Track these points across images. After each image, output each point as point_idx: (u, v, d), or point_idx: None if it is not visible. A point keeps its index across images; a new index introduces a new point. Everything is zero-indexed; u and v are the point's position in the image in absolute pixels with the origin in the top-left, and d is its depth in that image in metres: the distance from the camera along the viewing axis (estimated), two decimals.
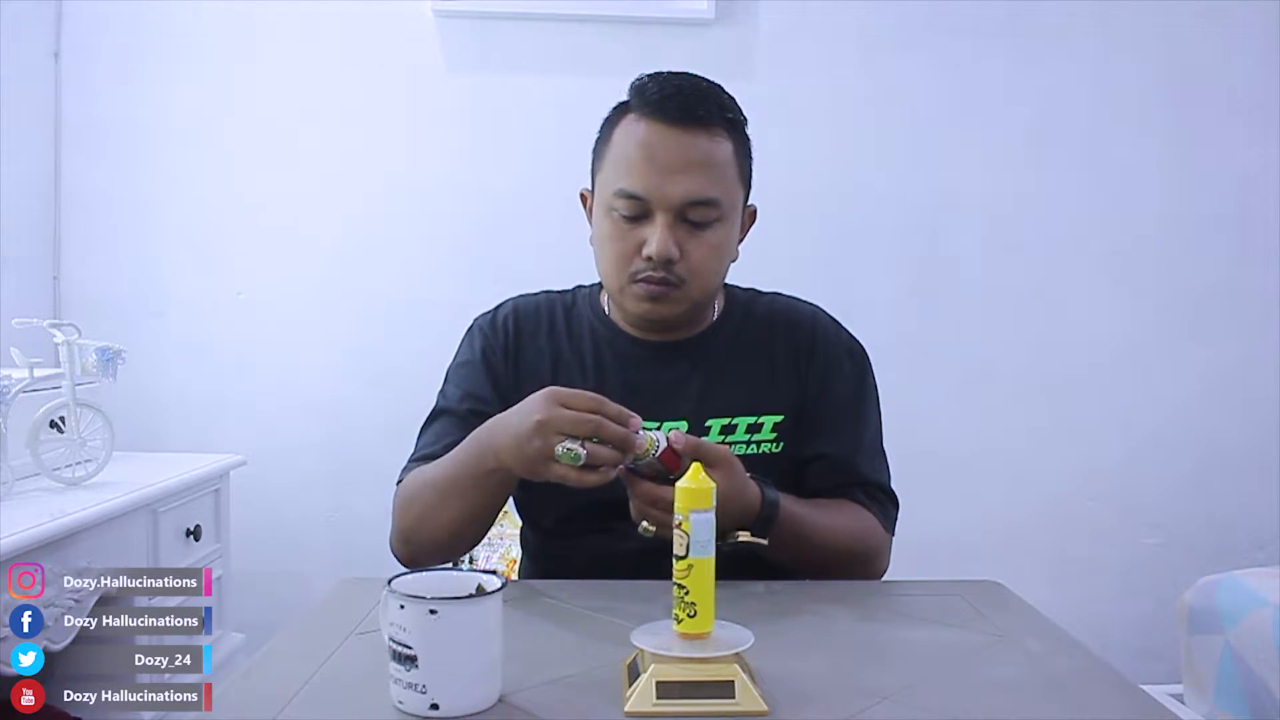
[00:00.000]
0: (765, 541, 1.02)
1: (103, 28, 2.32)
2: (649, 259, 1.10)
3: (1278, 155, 2.42)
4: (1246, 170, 2.42)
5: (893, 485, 1.22)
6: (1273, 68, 2.41)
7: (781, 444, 1.17)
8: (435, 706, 0.72)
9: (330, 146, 2.36)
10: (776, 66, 2.38)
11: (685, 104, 1.11)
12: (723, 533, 0.98)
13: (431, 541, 1.10)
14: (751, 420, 1.17)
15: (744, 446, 1.16)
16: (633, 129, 1.13)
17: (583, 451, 0.92)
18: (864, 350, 1.25)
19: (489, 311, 1.26)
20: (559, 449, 0.92)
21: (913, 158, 2.41)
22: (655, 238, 1.09)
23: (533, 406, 0.96)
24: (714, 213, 1.12)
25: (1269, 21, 2.41)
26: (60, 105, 2.33)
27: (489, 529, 1.13)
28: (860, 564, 1.15)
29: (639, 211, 1.11)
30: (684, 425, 1.15)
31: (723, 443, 1.15)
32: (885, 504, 1.19)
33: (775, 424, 1.17)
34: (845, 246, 2.40)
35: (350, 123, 2.36)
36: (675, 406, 1.16)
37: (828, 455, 1.17)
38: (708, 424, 1.16)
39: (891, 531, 1.19)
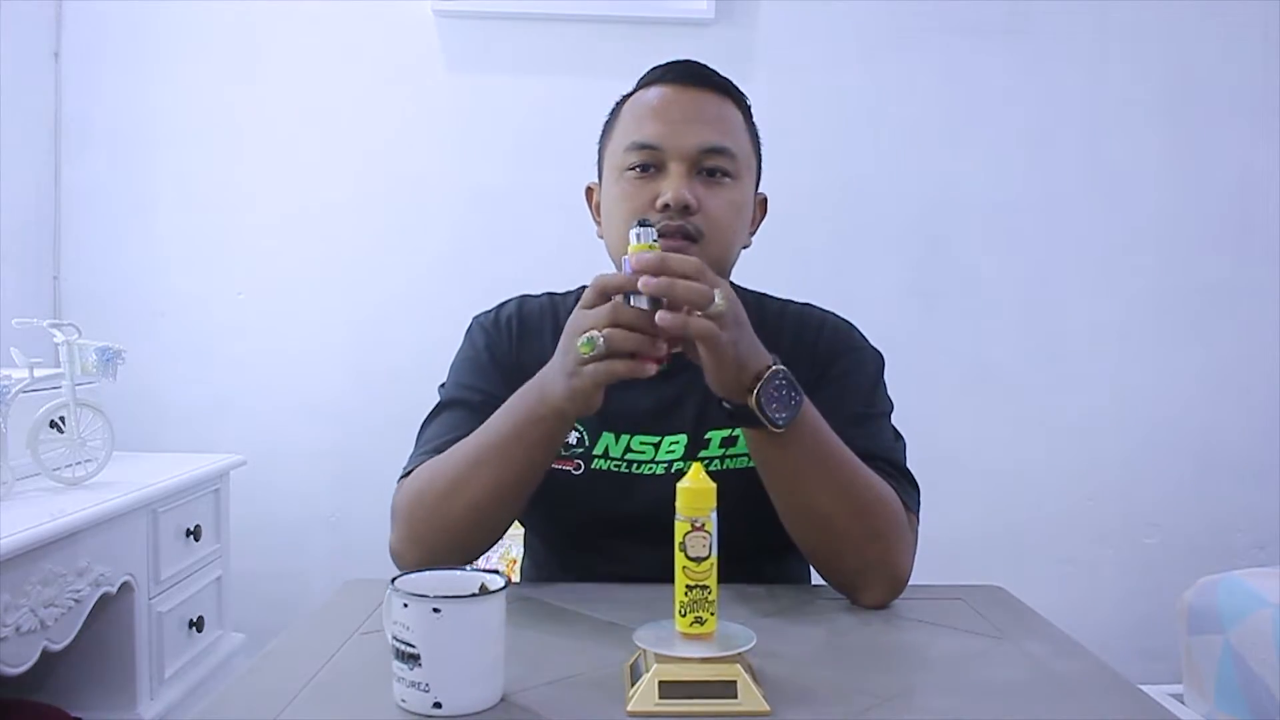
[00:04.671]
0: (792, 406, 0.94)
1: (103, 28, 2.33)
2: (665, 208, 1.06)
3: (1278, 155, 2.42)
4: (1246, 170, 2.43)
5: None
6: (1273, 68, 2.42)
7: None
8: (438, 705, 0.72)
9: (330, 146, 2.36)
10: (776, 66, 2.38)
11: (694, 69, 1.13)
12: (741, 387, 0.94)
13: (449, 530, 1.01)
14: None
15: (746, 459, 1.09)
16: (642, 96, 1.13)
17: (599, 337, 0.89)
18: (879, 354, 1.18)
19: (490, 310, 1.23)
20: (579, 343, 0.90)
21: (912, 157, 2.41)
22: (670, 185, 1.07)
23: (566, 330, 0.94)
24: (729, 164, 1.09)
25: (1269, 21, 2.41)
26: (60, 105, 2.33)
27: (516, 514, 1.07)
28: (876, 538, 1.00)
29: (652, 161, 1.09)
30: (683, 439, 1.12)
31: (723, 455, 1.11)
32: (903, 482, 1.08)
33: None
34: (845, 246, 2.40)
35: (350, 123, 2.36)
36: (675, 421, 1.13)
37: None
38: (707, 436, 1.12)
39: (915, 513, 1.08)
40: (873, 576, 1.02)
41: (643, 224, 0.93)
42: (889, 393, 1.18)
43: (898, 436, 1.15)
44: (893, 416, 1.17)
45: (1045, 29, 2.41)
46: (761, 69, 2.38)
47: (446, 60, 2.37)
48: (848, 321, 1.21)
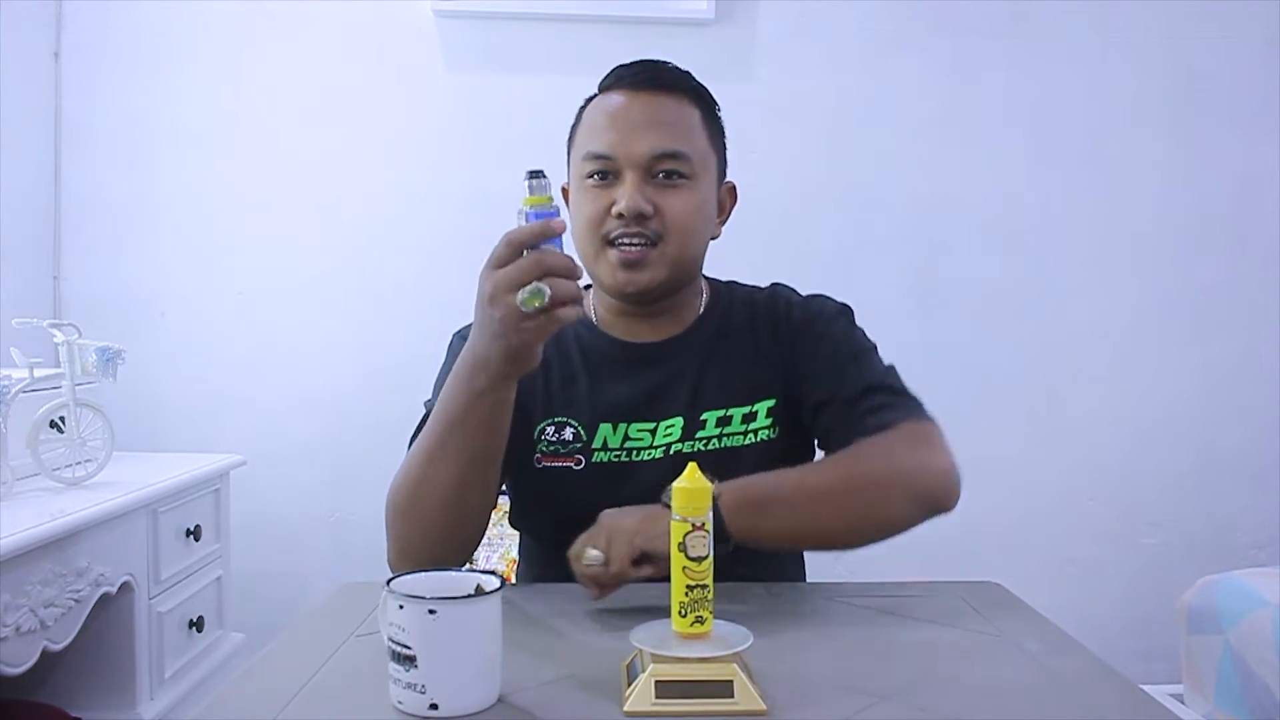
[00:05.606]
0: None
1: (103, 28, 2.33)
2: (620, 215, 1.09)
3: (1278, 155, 2.42)
4: (1246, 170, 2.43)
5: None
6: (1273, 68, 2.42)
7: (777, 429, 1.14)
8: (435, 706, 0.72)
9: (330, 146, 2.36)
10: (776, 66, 2.38)
11: (648, 72, 1.15)
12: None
13: (430, 532, 1.01)
14: (746, 410, 1.14)
15: (741, 437, 1.14)
16: (598, 102, 1.16)
17: (545, 288, 0.86)
18: (846, 306, 1.22)
19: (469, 323, 1.22)
20: (521, 299, 0.86)
21: (912, 158, 2.41)
22: (624, 193, 1.09)
23: (479, 296, 0.91)
24: (684, 167, 1.11)
25: (1269, 21, 2.41)
26: (60, 105, 2.33)
27: (494, 496, 1.06)
28: (906, 503, 1.03)
29: (607, 170, 1.11)
30: (679, 422, 1.13)
31: (720, 434, 1.14)
32: (904, 400, 1.11)
33: (769, 409, 1.14)
34: (844, 246, 2.40)
35: (350, 122, 2.36)
36: (669, 406, 1.15)
37: (829, 399, 1.11)
38: (703, 418, 1.14)
39: (928, 419, 1.09)
40: (920, 513, 1.04)
41: (534, 175, 0.92)
42: (866, 334, 1.21)
43: (890, 367, 1.17)
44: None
45: (1045, 29, 2.41)
46: (761, 69, 2.38)
47: (446, 60, 2.37)
48: (814, 295, 1.24)
